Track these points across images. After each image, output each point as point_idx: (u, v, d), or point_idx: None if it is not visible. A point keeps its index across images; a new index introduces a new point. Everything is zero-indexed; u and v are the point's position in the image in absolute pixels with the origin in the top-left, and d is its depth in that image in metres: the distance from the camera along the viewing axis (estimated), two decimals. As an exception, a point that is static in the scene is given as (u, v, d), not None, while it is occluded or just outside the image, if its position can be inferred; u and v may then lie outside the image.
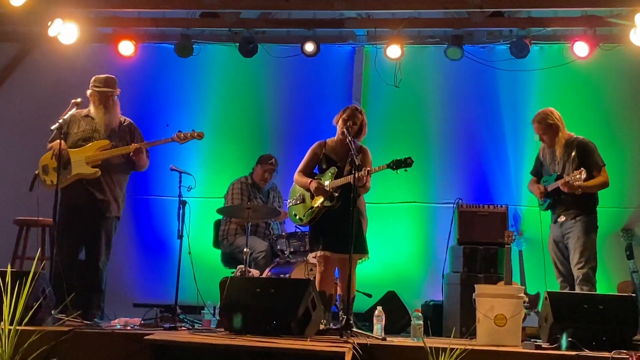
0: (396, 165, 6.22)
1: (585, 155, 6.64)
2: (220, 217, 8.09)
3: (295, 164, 6.81)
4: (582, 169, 6.41)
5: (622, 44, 8.35)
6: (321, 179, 6.58)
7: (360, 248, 6.36)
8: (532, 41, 8.59)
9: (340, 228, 6.25)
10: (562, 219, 6.66)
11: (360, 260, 6.55)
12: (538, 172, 7.01)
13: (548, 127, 6.77)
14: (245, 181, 8.15)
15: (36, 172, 6.74)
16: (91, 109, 6.86)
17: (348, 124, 6.45)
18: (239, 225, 7.91)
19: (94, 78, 6.88)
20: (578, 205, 6.58)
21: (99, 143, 6.72)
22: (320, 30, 8.93)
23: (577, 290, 6.37)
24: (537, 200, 6.95)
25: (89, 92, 6.84)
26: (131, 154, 6.73)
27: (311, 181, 6.56)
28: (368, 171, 6.25)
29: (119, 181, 6.88)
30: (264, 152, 8.33)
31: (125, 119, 6.99)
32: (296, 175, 6.73)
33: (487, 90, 9.00)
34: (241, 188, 8.07)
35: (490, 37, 8.94)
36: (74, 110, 6.56)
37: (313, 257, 6.86)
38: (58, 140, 6.46)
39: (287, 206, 6.89)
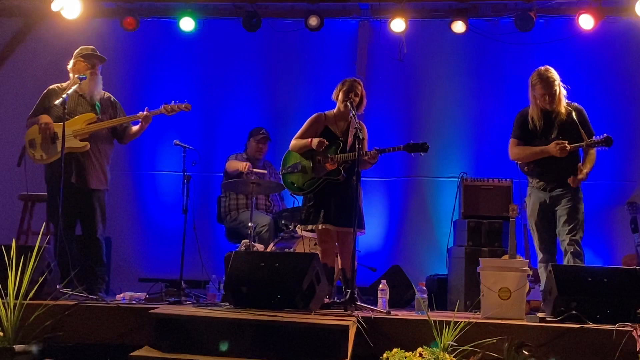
0: (412, 148, 6.24)
1: (584, 121, 6.38)
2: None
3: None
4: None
5: (628, 17, 8.30)
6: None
7: (359, 223, 6.34)
8: (537, 14, 8.54)
9: (340, 201, 6.24)
10: (550, 185, 6.38)
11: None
12: (525, 136, 6.48)
13: (554, 84, 6.29)
14: (242, 156, 8.12)
15: (23, 146, 6.68)
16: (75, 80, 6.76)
17: (350, 95, 6.41)
18: (239, 200, 7.92)
19: (79, 48, 6.81)
20: (568, 173, 6.30)
21: (85, 116, 6.64)
22: (324, 4, 8.86)
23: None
24: (519, 165, 6.65)
25: (72, 62, 6.75)
26: (141, 121, 6.72)
27: (312, 139, 6.48)
28: (380, 151, 6.23)
29: (106, 153, 6.82)
30: (268, 127, 8.31)
31: (105, 93, 6.90)
32: (293, 141, 6.61)
33: (492, 64, 8.96)
34: (237, 159, 8.02)
35: (494, 10, 8.87)
36: (76, 87, 6.52)
37: (305, 230, 6.62)
38: (41, 115, 6.48)
39: (281, 173, 6.79)
